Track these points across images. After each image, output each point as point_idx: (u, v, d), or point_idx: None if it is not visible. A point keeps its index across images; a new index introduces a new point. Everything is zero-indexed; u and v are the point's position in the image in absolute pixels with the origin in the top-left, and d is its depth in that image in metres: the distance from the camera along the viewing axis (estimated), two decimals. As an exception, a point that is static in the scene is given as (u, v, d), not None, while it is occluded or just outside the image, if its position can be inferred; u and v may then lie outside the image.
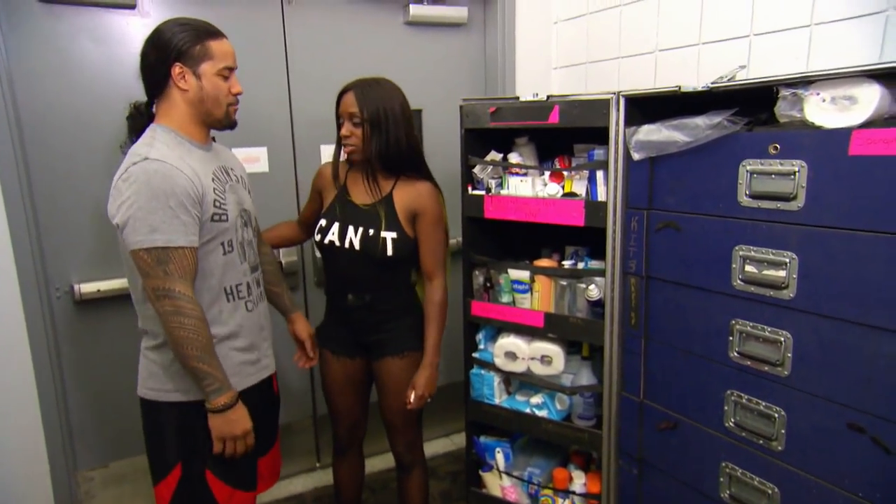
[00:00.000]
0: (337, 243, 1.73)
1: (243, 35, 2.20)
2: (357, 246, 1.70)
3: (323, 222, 1.77)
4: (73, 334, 2.12)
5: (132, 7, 2.02)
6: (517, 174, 1.93)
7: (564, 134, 1.84)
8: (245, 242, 1.51)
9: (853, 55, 1.56)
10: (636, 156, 1.59)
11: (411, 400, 1.74)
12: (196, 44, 1.35)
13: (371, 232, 1.70)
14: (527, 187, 1.90)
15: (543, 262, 1.99)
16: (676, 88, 1.48)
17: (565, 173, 1.87)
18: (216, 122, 1.45)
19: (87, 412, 2.18)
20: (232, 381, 1.42)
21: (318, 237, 1.78)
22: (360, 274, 1.75)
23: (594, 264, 1.91)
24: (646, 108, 1.64)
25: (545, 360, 1.93)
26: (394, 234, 1.69)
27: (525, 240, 2.19)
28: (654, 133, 1.53)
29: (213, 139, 1.54)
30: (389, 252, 1.69)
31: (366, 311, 1.77)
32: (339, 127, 1.72)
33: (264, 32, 2.24)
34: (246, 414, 1.43)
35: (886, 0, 1.48)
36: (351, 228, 1.72)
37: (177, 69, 1.35)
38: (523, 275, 1.95)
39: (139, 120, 1.45)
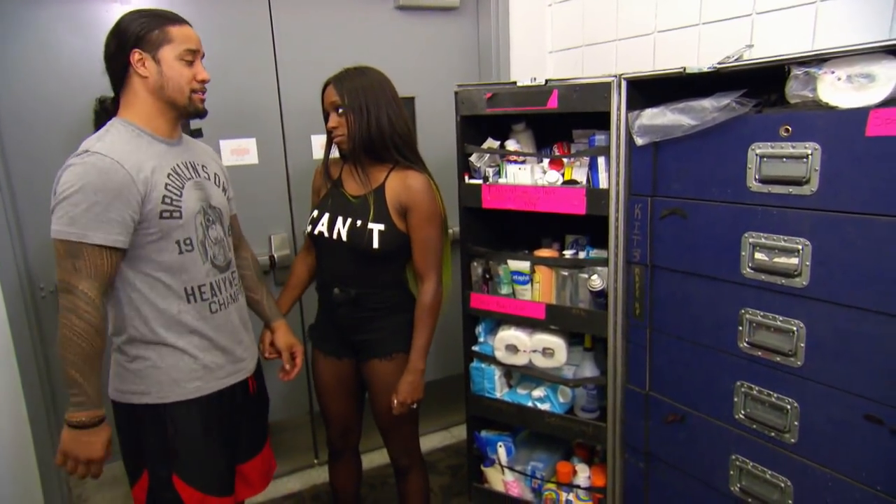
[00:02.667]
0: (325, 234, 1.68)
1: (230, 22, 2.13)
2: (344, 237, 1.64)
3: (315, 213, 1.72)
4: (60, 335, 2.05)
5: (112, -6, 1.94)
6: (515, 162, 1.88)
7: (562, 120, 1.79)
8: (210, 241, 1.43)
9: (861, 32, 1.50)
10: (639, 141, 1.54)
11: (394, 406, 1.69)
12: (154, 29, 1.30)
13: (358, 223, 1.64)
14: (525, 175, 1.84)
15: (544, 253, 1.94)
16: (681, 70, 1.42)
17: (565, 160, 1.81)
18: (181, 110, 1.38)
19: (77, 414, 2.12)
20: (190, 386, 1.40)
21: (308, 227, 1.73)
22: (346, 267, 1.68)
23: (596, 253, 1.86)
24: (647, 91, 1.59)
25: (547, 352, 1.89)
26: (381, 227, 1.62)
27: (524, 229, 2.13)
28: (659, 117, 1.47)
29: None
30: (375, 245, 1.62)
31: (351, 307, 1.70)
32: (326, 121, 1.68)
33: (251, 19, 2.17)
34: (100, 443, 1.31)
35: (896, -25, 1.42)
36: (340, 219, 1.66)
37: (135, 55, 1.30)
38: (523, 265, 1.90)
39: (104, 116, 1.40)
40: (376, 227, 1.62)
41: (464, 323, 2.08)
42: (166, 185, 1.33)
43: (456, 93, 1.92)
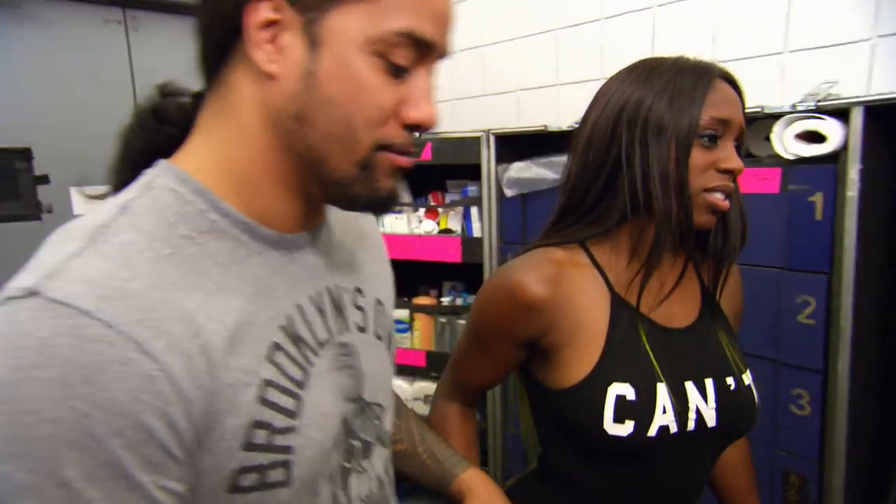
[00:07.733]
0: (673, 429, 0.76)
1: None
2: (711, 420, 0.79)
3: (627, 392, 0.75)
4: None
5: None
6: (392, 211, 1.90)
7: (436, 169, 1.84)
8: (353, 469, 0.60)
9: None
10: (508, 192, 1.62)
11: None
12: None
13: (731, 383, 0.82)
14: (402, 224, 1.87)
15: (423, 301, 1.96)
16: (543, 127, 1.54)
17: (440, 210, 1.86)
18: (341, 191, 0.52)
19: None
20: None
21: (620, 430, 0.74)
22: (697, 472, 0.84)
23: (472, 300, 1.91)
24: (516, 145, 1.69)
25: (428, 399, 1.89)
26: (751, 375, 0.86)
27: (401, 277, 2.14)
28: (525, 170, 1.57)
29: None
30: (757, 412, 0.85)
31: None
32: (680, 153, 0.73)
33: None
34: None
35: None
36: (691, 387, 0.79)
37: (262, 10, 0.46)
38: (403, 314, 1.91)
39: (138, 149, 0.54)
40: (749, 380, 0.85)
41: (343, 375, 2.02)
42: (268, 382, 0.48)
43: (331, 143, 1.91)
